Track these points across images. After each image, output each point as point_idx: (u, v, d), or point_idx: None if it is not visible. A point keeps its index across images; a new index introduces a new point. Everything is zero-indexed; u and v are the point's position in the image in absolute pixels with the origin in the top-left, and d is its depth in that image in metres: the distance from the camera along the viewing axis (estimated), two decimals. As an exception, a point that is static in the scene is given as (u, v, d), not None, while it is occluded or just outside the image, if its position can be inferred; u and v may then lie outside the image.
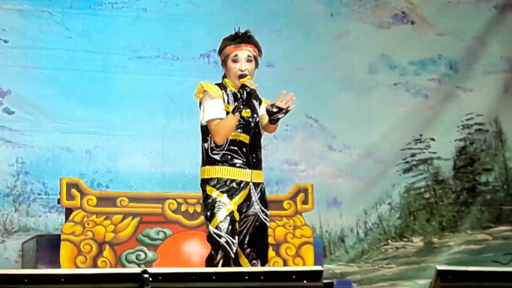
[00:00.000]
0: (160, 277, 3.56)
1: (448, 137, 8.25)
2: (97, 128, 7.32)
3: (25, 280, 3.46)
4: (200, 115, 5.10)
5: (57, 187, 6.44)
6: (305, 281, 3.68)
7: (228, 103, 5.02)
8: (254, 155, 5.07)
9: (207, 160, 5.05)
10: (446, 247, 8.12)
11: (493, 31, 8.39)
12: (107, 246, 6.34)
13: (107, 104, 7.36)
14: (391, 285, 7.86)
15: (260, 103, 5.18)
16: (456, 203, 8.26)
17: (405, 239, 8.08)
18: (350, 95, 8.07)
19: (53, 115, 7.23)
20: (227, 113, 4.99)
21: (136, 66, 7.47)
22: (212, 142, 5.03)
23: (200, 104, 5.12)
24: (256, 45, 5.13)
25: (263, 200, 5.11)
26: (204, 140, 5.09)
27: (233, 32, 5.14)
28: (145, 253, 6.43)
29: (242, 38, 5.10)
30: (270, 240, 6.54)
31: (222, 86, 5.10)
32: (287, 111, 4.99)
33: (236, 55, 5.08)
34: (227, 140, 5.01)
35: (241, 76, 5.03)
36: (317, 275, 3.70)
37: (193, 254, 6.46)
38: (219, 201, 4.99)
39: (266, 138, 5.19)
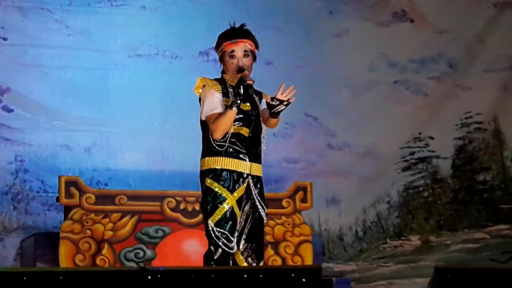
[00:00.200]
0: (159, 275, 3.56)
1: (447, 135, 8.25)
2: (96, 126, 7.31)
3: (24, 278, 3.46)
4: (200, 110, 5.10)
5: (56, 185, 6.44)
6: (304, 279, 3.68)
7: (228, 97, 5.03)
8: (254, 149, 5.07)
9: (207, 152, 5.06)
10: (443, 246, 8.12)
11: (493, 29, 8.39)
12: (106, 244, 6.34)
13: (106, 102, 7.35)
14: (389, 283, 7.87)
15: (260, 98, 5.18)
16: (454, 201, 8.26)
17: (403, 238, 8.08)
18: (350, 93, 8.07)
19: (52, 113, 7.22)
20: (226, 107, 5.00)
21: (135, 64, 7.46)
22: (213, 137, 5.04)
23: (200, 99, 5.13)
24: (252, 40, 5.13)
25: (261, 194, 5.10)
26: (205, 133, 5.09)
27: (228, 28, 5.15)
28: (144, 251, 6.43)
29: (237, 33, 5.11)
30: (269, 238, 6.56)
31: (221, 81, 5.11)
32: (287, 104, 5.00)
33: (232, 51, 5.09)
34: (228, 133, 5.02)
35: (239, 71, 5.04)
36: (316, 273, 3.71)
37: (192, 252, 6.45)
38: (219, 195, 4.99)
39: (265, 135, 5.18)
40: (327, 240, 7.83)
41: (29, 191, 7.10)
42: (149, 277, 3.51)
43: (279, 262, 6.61)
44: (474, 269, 3.82)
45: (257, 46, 5.17)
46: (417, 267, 7.94)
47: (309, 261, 6.64)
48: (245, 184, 5.03)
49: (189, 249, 6.49)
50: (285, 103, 4.99)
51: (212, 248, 4.98)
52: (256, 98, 5.15)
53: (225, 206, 4.98)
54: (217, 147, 5.03)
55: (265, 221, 5.15)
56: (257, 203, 5.07)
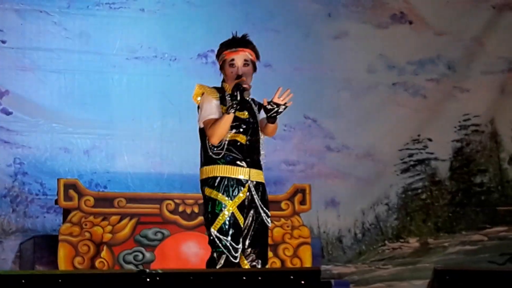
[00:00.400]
0: (157, 278, 3.56)
1: (445, 137, 8.25)
2: (95, 128, 7.31)
3: (23, 281, 3.46)
4: (198, 117, 5.11)
5: (55, 188, 6.44)
6: (303, 282, 3.68)
7: (225, 105, 5.04)
8: (252, 156, 5.08)
9: (205, 161, 5.07)
10: (441, 248, 8.12)
11: (492, 31, 8.39)
12: (105, 247, 6.34)
13: (104, 105, 7.35)
14: (387, 286, 7.86)
15: (260, 108, 5.18)
16: (452, 204, 8.26)
17: (401, 240, 8.08)
18: (349, 95, 8.07)
19: (51, 115, 7.22)
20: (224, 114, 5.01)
21: (133, 66, 7.46)
22: (210, 143, 5.04)
23: (198, 107, 5.14)
24: (253, 49, 5.14)
25: (264, 200, 5.10)
26: (203, 141, 5.10)
27: (230, 37, 5.16)
28: (143, 254, 6.43)
29: (238, 42, 5.12)
30: (268, 240, 6.55)
31: (220, 89, 5.12)
32: (285, 107, 5.00)
33: (232, 59, 5.09)
34: (224, 140, 5.02)
35: (238, 79, 5.04)
36: (315, 275, 3.70)
37: (190, 255, 6.45)
38: (219, 203, 5.00)
39: (263, 143, 5.18)
40: (326, 242, 7.83)
41: (28, 193, 7.09)
42: (148, 279, 3.51)
43: (278, 264, 6.61)
44: (473, 271, 3.82)
45: (257, 56, 5.17)
46: (415, 269, 7.94)
47: (308, 263, 6.63)
48: (245, 189, 5.03)
49: (188, 252, 6.49)
50: (282, 106, 4.99)
51: (215, 255, 4.97)
52: (255, 108, 5.15)
53: (226, 213, 4.98)
54: (214, 155, 5.04)
55: (269, 225, 5.14)
56: (260, 209, 5.07)
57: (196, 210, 6.47)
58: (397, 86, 8.22)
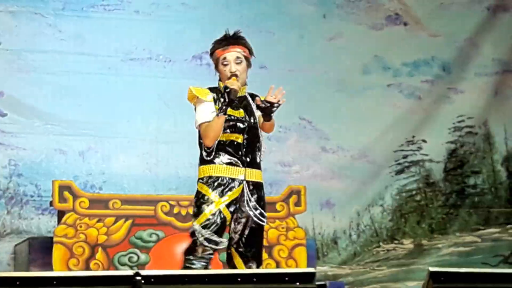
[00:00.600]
0: (152, 280, 3.56)
1: (440, 139, 8.27)
2: (90, 130, 7.31)
3: (17, 283, 3.46)
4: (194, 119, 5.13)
5: (50, 189, 6.44)
6: (297, 283, 3.68)
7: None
8: (249, 155, 5.07)
9: (201, 160, 5.09)
10: (435, 249, 8.13)
11: (486, 33, 8.40)
12: (100, 249, 6.33)
13: (99, 106, 7.35)
14: (382, 287, 7.87)
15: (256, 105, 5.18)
16: (446, 205, 8.27)
17: (396, 241, 8.09)
18: (344, 97, 8.08)
19: (46, 117, 7.22)
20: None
21: (128, 68, 7.46)
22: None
23: (195, 108, 5.15)
24: (245, 45, 5.13)
25: (260, 200, 5.10)
26: (200, 142, 5.11)
27: (223, 35, 5.16)
28: (138, 256, 6.42)
29: (229, 40, 5.11)
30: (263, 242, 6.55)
31: (215, 89, 5.12)
32: (278, 105, 5.01)
33: (224, 58, 5.10)
34: (219, 141, 5.02)
35: (230, 77, 5.05)
36: (309, 277, 3.70)
37: (186, 256, 6.44)
38: (207, 198, 5.01)
39: (263, 141, 5.18)
40: (321, 243, 7.83)
41: (23, 195, 7.09)
42: (143, 281, 3.51)
43: (273, 265, 6.61)
44: (468, 273, 3.82)
45: (251, 52, 5.17)
46: (409, 271, 7.95)
47: (303, 264, 6.63)
48: (238, 189, 5.03)
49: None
50: (275, 104, 5.01)
51: (192, 245, 4.99)
52: (253, 105, 5.15)
53: (212, 209, 4.99)
54: (209, 155, 5.05)
55: (265, 225, 5.14)
56: (253, 209, 5.07)
57: (191, 211, 6.45)
58: (392, 87, 8.23)
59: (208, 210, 4.99)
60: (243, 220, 5.07)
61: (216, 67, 5.17)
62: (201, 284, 3.65)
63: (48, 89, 7.25)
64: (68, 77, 7.30)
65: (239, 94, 5.10)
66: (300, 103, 7.69)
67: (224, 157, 5.03)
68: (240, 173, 5.03)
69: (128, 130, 7.40)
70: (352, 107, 8.05)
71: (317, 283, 3.72)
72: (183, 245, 6.52)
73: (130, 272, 3.57)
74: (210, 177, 5.02)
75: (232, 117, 5.05)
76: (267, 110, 5.02)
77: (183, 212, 6.53)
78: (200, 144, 5.11)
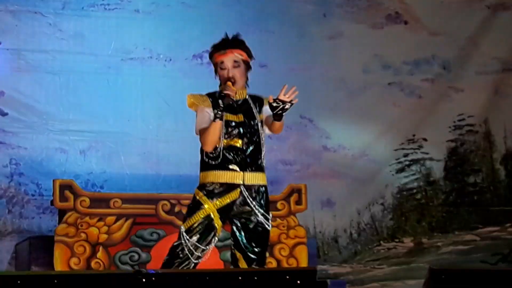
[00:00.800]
0: (153, 278, 3.57)
1: (440, 137, 8.27)
2: (91, 129, 7.31)
3: (19, 282, 3.46)
4: None
5: (51, 188, 6.44)
6: (298, 282, 3.68)
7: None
8: (250, 159, 5.06)
9: (201, 166, 5.11)
10: (434, 248, 8.13)
11: (486, 31, 8.40)
12: (101, 248, 6.34)
13: (100, 105, 7.35)
14: (382, 285, 7.87)
15: (261, 106, 5.16)
16: (446, 203, 8.27)
17: (396, 240, 8.09)
18: (344, 95, 8.08)
19: (46, 116, 7.22)
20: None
21: (129, 67, 7.46)
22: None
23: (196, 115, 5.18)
24: (243, 49, 5.12)
25: (262, 202, 5.09)
26: (201, 149, 5.13)
27: (221, 38, 5.16)
28: (139, 254, 6.43)
29: (227, 44, 5.10)
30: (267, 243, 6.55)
31: (213, 94, 5.11)
32: (291, 105, 5.00)
33: (222, 62, 5.09)
34: (219, 147, 5.02)
35: (226, 82, 5.05)
36: (310, 275, 3.71)
37: (187, 255, 6.44)
38: (199, 203, 5.03)
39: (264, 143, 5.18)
40: (322, 242, 7.84)
41: (24, 194, 7.09)
42: (144, 280, 3.52)
43: (274, 264, 6.61)
44: (468, 271, 3.83)
45: (249, 55, 5.15)
46: (409, 269, 7.95)
47: (304, 263, 6.64)
48: (234, 194, 5.03)
49: (184, 252, 6.47)
50: (288, 104, 4.99)
51: (176, 246, 5.02)
52: (255, 108, 5.13)
53: (200, 215, 5.00)
54: (208, 161, 5.06)
55: (269, 228, 5.13)
56: (256, 211, 5.06)
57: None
58: (392, 86, 8.23)
59: (197, 216, 5.01)
60: (246, 223, 5.07)
61: (216, 71, 5.17)
62: (202, 282, 3.65)
63: (48, 88, 7.25)
64: (68, 77, 7.30)
65: (239, 98, 5.10)
66: (300, 101, 7.62)
67: (222, 163, 5.03)
68: (238, 178, 5.03)
69: (128, 129, 7.41)
70: (352, 106, 8.05)
71: (318, 281, 3.73)
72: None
73: (131, 271, 3.58)
74: (205, 184, 5.04)
75: (232, 123, 5.05)
76: (279, 109, 4.98)
77: (184, 211, 6.52)
78: (201, 150, 5.12)
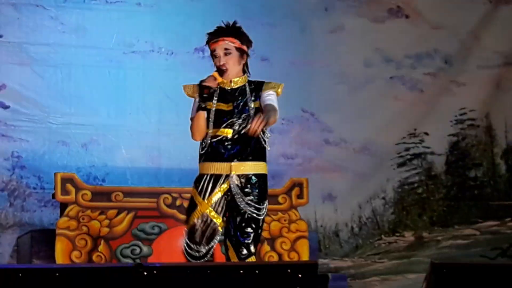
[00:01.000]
0: (155, 271, 3.57)
1: (442, 131, 8.26)
2: (93, 122, 7.31)
3: (20, 275, 3.47)
4: None
5: (53, 182, 6.45)
6: (300, 275, 3.69)
7: (211, 100, 5.04)
8: (240, 147, 5.04)
9: (198, 158, 5.12)
10: (434, 242, 8.13)
11: (488, 25, 8.39)
12: (102, 241, 6.34)
13: (102, 99, 7.35)
14: (383, 279, 7.87)
15: (256, 92, 5.11)
16: (447, 198, 8.27)
17: (397, 234, 8.09)
18: (346, 89, 8.07)
19: (48, 109, 7.22)
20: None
21: (130, 60, 7.45)
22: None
23: None
24: (235, 36, 5.07)
25: (250, 191, 5.05)
26: None
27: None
28: (140, 248, 6.43)
29: (219, 32, 5.09)
30: (266, 234, 6.56)
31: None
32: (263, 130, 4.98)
33: (214, 50, 5.08)
34: (208, 137, 5.02)
35: (217, 70, 5.06)
36: (312, 269, 3.71)
37: (188, 249, 6.44)
38: (193, 203, 5.07)
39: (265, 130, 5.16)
40: (323, 236, 7.84)
41: (25, 187, 7.10)
42: (145, 273, 3.52)
43: (275, 258, 6.62)
44: (470, 265, 3.83)
45: (243, 42, 5.11)
46: (410, 263, 7.95)
47: (305, 257, 6.64)
48: (223, 186, 5.03)
49: (185, 245, 6.48)
50: (259, 130, 4.92)
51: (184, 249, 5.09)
52: (249, 95, 5.10)
53: (195, 214, 5.03)
54: (200, 152, 5.08)
55: (260, 217, 5.09)
56: (242, 199, 5.04)
57: (193, 204, 6.46)
58: (394, 80, 8.22)
59: (193, 216, 5.04)
60: (233, 213, 5.06)
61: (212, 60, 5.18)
62: (204, 276, 3.66)
63: (50, 81, 7.25)
64: (69, 70, 7.30)
65: (234, 86, 5.09)
66: (302, 95, 7.69)
67: (211, 154, 5.03)
68: (225, 168, 5.02)
69: (130, 123, 7.40)
70: (354, 100, 8.05)
71: (320, 275, 3.73)
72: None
73: (132, 264, 3.58)
74: (198, 177, 5.05)
75: (222, 112, 5.04)
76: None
77: (186, 204, 6.52)
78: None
